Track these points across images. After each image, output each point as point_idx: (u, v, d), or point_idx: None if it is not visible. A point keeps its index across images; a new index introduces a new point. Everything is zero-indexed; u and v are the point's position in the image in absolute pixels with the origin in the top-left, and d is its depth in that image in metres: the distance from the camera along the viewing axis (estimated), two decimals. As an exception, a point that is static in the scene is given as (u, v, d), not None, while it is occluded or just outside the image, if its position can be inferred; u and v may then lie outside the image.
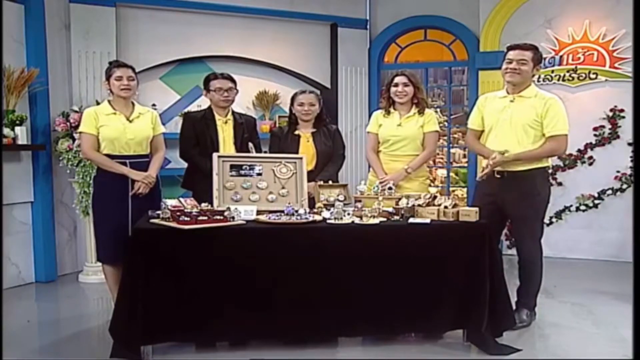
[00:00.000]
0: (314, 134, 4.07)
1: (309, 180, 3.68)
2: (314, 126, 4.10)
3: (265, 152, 4.15)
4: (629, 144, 5.46)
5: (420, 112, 3.96)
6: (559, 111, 3.52)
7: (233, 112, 4.07)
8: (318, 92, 4.35)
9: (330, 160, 4.08)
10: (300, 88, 4.82)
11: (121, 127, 3.55)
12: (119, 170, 3.53)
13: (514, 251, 3.87)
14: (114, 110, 3.58)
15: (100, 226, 3.62)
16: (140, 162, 3.61)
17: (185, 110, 5.39)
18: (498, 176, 3.57)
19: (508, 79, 3.59)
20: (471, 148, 4.02)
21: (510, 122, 3.56)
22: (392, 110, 4.01)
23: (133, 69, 3.63)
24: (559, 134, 3.50)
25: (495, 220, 3.54)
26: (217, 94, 3.95)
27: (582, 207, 5.69)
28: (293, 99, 4.11)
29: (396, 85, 3.94)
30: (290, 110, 4.13)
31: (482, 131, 3.72)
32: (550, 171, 4.20)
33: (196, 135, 3.96)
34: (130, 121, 3.59)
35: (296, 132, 4.08)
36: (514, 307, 3.49)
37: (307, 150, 3.99)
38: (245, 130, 4.02)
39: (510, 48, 3.62)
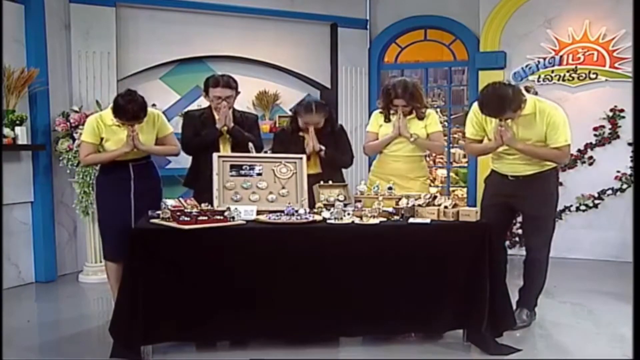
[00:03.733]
0: (317, 134, 3.96)
1: (312, 184, 3.65)
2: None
3: (266, 151, 4.13)
4: (629, 144, 5.46)
5: (420, 119, 3.95)
6: (559, 124, 3.41)
7: (234, 111, 4.05)
8: (324, 104, 4.11)
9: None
10: (303, 88, 4.75)
11: (124, 140, 3.49)
12: (116, 155, 3.49)
13: (514, 251, 3.87)
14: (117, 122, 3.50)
15: (105, 224, 3.63)
16: (143, 164, 3.62)
17: (185, 110, 5.39)
18: (512, 179, 3.56)
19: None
20: (472, 153, 3.91)
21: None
22: (391, 117, 3.98)
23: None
24: (561, 146, 3.44)
25: (503, 220, 3.54)
26: (214, 103, 3.89)
27: (582, 207, 5.69)
28: (298, 112, 3.94)
29: (395, 106, 3.90)
30: (294, 116, 4.00)
31: (481, 140, 3.65)
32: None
33: (195, 133, 3.95)
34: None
35: (300, 133, 3.97)
36: (514, 307, 3.49)
37: (312, 153, 3.90)
38: (244, 129, 3.98)
39: (488, 114, 3.39)
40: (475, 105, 3.60)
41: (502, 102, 3.27)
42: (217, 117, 3.95)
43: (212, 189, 3.43)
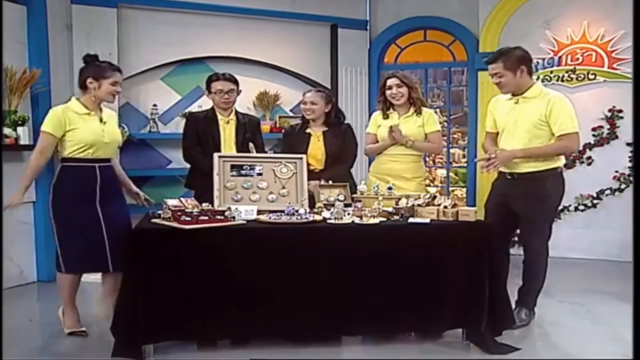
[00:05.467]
0: (325, 133, 4.03)
1: (318, 180, 3.70)
2: (325, 125, 4.07)
3: (266, 151, 4.15)
4: (628, 144, 5.47)
5: (418, 112, 3.97)
6: (563, 110, 3.45)
7: (237, 112, 4.08)
8: (327, 91, 4.34)
9: (340, 160, 4.03)
10: (303, 89, 4.81)
11: (98, 129, 3.33)
12: (26, 185, 3.52)
13: (514, 251, 3.87)
14: (87, 110, 3.32)
15: (68, 233, 3.42)
16: (108, 167, 3.43)
17: (186, 110, 5.41)
18: (509, 177, 3.58)
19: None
20: (484, 150, 3.96)
21: (516, 124, 3.54)
22: (391, 111, 4.02)
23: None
24: (568, 133, 3.44)
25: (507, 220, 3.56)
26: (217, 96, 3.96)
27: (581, 207, 5.71)
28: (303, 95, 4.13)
29: (390, 87, 3.95)
30: (304, 118, 4.13)
31: (498, 133, 3.71)
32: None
33: (198, 135, 3.98)
34: (104, 123, 3.38)
35: (307, 131, 4.05)
36: (513, 306, 3.50)
37: (318, 149, 3.97)
38: (247, 131, 4.02)
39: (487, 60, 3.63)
40: (491, 100, 3.83)
41: (498, 52, 3.60)
42: (219, 115, 3.98)
43: (213, 189, 3.45)
